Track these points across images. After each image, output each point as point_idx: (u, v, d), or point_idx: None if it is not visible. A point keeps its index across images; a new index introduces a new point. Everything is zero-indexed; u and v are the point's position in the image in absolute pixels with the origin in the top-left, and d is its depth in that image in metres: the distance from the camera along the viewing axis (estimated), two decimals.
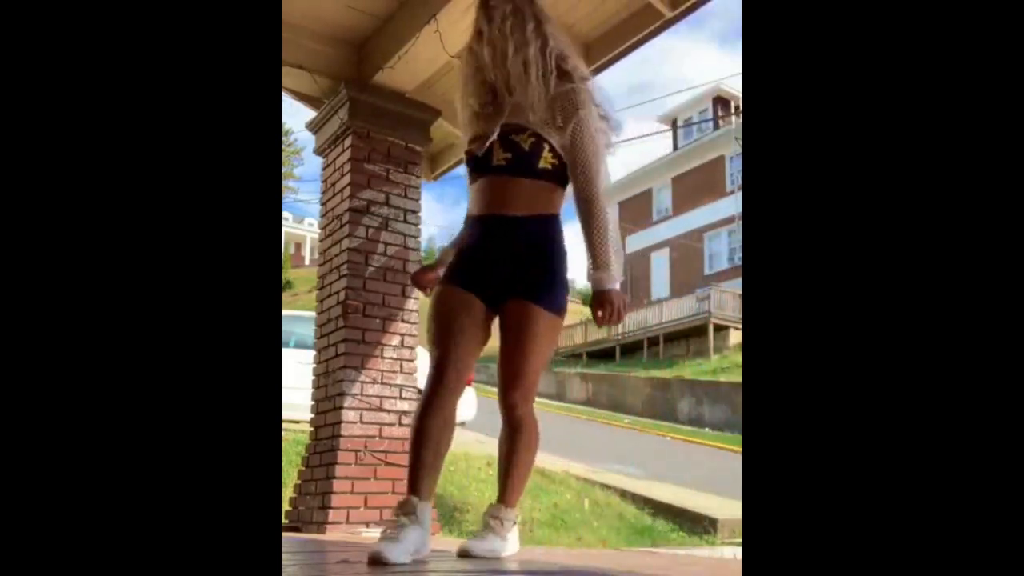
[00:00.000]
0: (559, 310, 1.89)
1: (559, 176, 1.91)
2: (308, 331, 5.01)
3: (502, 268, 1.87)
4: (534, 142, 1.88)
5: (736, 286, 18.01)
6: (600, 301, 1.84)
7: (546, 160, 1.88)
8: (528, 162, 1.87)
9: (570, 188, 1.92)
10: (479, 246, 1.91)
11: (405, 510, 1.79)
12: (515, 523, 2.09)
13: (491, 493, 6.53)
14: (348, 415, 3.47)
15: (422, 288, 2.08)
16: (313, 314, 4.08)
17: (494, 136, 1.92)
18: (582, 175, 1.86)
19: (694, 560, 2.51)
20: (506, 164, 1.88)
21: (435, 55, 3.42)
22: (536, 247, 1.89)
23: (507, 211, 1.87)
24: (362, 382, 3.53)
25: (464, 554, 1.96)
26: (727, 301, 17.96)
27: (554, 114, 1.88)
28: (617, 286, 1.84)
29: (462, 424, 8.55)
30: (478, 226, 1.93)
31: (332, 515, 3.30)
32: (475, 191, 1.95)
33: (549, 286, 1.88)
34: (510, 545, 2.07)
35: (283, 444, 6.15)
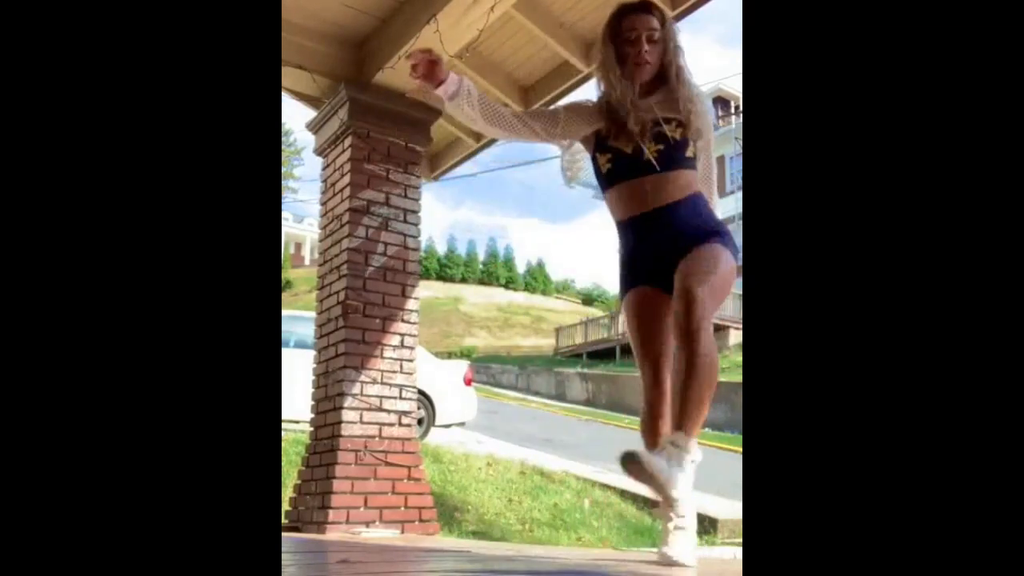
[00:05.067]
0: (736, 253, 1.96)
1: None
2: (308, 331, 5.01)
3: (668, 250, 1.94)
4: (682, 132, 1.98)
5: (736, 286, 17.97)
6: None
7: (691, 150, 2.00)
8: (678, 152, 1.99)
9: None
10: (645, 242, 1.99)
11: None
12: (691, 457, 1.78)
13: (491, 493, 6.53)
14: (348, 415, 3.47)
15: (429, 74, 1.86)
16: (313, 314, 4.08)
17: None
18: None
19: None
20: (658, 156, 1.96)
21: None
22: (696, 221, 1.97)
23: (662, 202, 1.96)
24: (362, 382, 3.53)
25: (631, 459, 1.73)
26: (727, 301, 17.95)
27: (695, 127, 2.02)
28: None
29: (462, 424, 8.55)
30: (639, 226, 1.99)
31: (332, 515, 3.30)
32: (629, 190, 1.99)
33: (724, 236, 1.97)
34: (682, 478, 1.75)
35: (283, 444, 6.15)
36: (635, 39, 1.98)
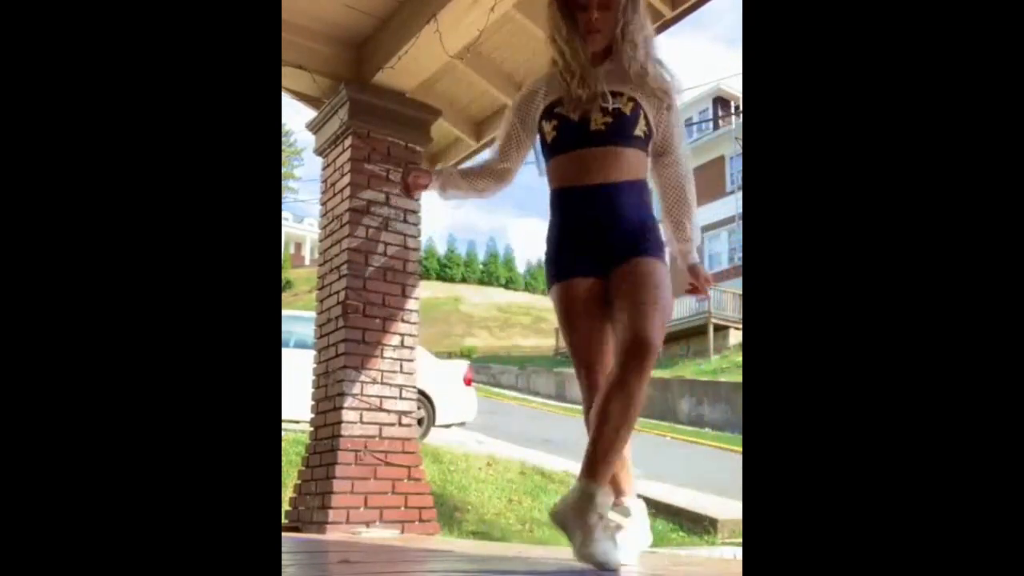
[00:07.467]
0: (664, 251, 1.92)
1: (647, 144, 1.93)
2: (308, 331, 5.01)
3: (605, 238, 1.86)
4: (633, 107, 1.87)
5: (736, 286, 18.00)
6: (696, 274, 1.96)
7: (640, 128, 1.89)
8: (626, 127, 1.88)
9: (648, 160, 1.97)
10: (581, 220, 1.89)
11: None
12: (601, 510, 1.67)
13: (491, 493, 6.53)
14: (348, 415, 3.47)
15: (410, 189, 2.10)
16: (313, 314, 4.08)
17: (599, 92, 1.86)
18: (681, 156, 1.96)
19: (694, 560, 2.51)
20: (605, 128, 1.85)
21: (435, 55, 3.42)
22: (637, 214, 1.88)
23: (605, 179, 1.86)
24: (362, 382, 3.53)
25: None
26: (727, 301, 17.96)
27: (652, 91, 1.90)
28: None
29: (462, 424, 8.55)
30: (576, 200, 1.89)
31: (332, 515, 3.30)
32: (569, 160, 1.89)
33: (656, 240, 1.89)
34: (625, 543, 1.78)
35: (283, 444, 6.15)
36: (585, 4, 1.86)
